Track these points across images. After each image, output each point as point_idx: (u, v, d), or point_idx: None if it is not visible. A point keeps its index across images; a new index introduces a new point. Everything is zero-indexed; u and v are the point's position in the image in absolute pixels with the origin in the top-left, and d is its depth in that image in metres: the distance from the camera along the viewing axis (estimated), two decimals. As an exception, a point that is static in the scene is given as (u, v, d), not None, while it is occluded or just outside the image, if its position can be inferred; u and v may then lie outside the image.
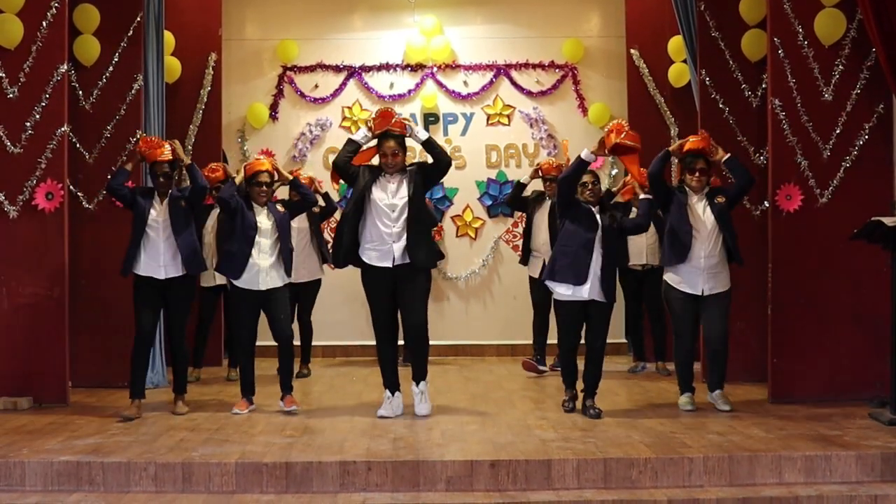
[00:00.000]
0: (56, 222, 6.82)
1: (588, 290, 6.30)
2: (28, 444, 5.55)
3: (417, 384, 6.43)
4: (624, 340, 8.93)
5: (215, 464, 5.14)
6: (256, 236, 6.54)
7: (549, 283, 6.48)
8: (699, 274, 6.37)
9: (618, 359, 9.16)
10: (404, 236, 6.26)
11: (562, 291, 6.39)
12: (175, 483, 5.13)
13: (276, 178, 6.81)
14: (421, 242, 6.32)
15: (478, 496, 5.00)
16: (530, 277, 8.33)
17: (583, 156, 6.32)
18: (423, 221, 6.45)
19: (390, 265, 6.30)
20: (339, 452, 5.33)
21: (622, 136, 6.27)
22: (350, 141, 6.48)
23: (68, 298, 6.86)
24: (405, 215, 6.28)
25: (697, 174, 6.43)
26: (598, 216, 6.37)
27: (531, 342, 8.46)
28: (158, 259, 6.44)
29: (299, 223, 7.90)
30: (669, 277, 6.49)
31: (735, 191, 6.49)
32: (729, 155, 6.49)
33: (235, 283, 6.62)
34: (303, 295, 8.24)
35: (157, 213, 6.47)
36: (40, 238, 6.80)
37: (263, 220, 6.62)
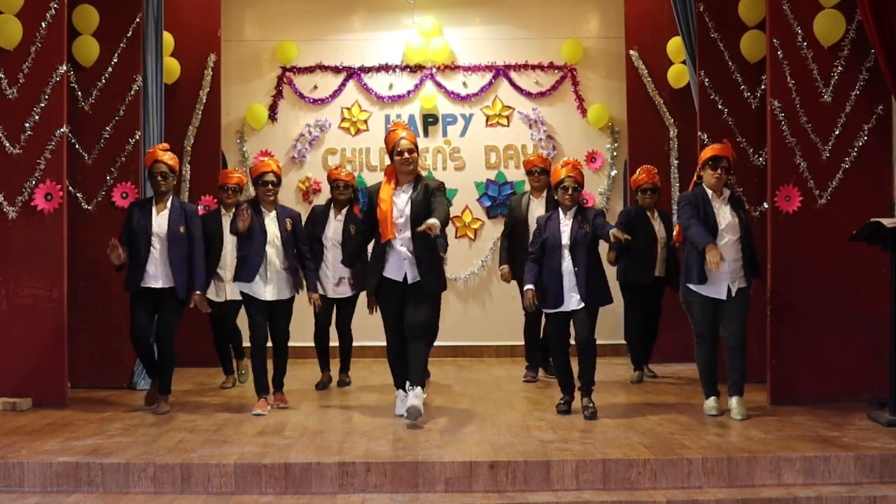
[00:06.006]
0: (55, 223, 6.81)
1: (571, 304, 6.33)
2: (27, 445, 5.54)
3: (413, 385, 6.13)
4: (623, 341, 8.89)
5: (214, 465, 5.14)
6: (266, 242, 6.60)
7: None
8: (724, 278, 6.23)
9: (617, 360, 9.17)
10: (415, 260, 6.22)
11: (546, 310, 6.50)
12: (174, 484, 5.13)
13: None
14: (432, 267, 6.30)
15: (477, 497, 5.00)
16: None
17: None
18: (431, 245, 6.33)
19: (400, 280, 6.28)
20: (338, 453, 5.33)
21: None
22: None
23: (67, 299, 6.85)
24: (408, 232, 6.23)
25: (720, 171, 6.28)
26: (563, 228, 6.37)
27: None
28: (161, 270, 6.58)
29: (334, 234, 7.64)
30: (692, 283, 6.31)
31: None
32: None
33: (243, 289, 6.66)
34: (339, 307, 7.77)
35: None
36: (39, 239, 6.79)
37: (270, 225, 6.67)
